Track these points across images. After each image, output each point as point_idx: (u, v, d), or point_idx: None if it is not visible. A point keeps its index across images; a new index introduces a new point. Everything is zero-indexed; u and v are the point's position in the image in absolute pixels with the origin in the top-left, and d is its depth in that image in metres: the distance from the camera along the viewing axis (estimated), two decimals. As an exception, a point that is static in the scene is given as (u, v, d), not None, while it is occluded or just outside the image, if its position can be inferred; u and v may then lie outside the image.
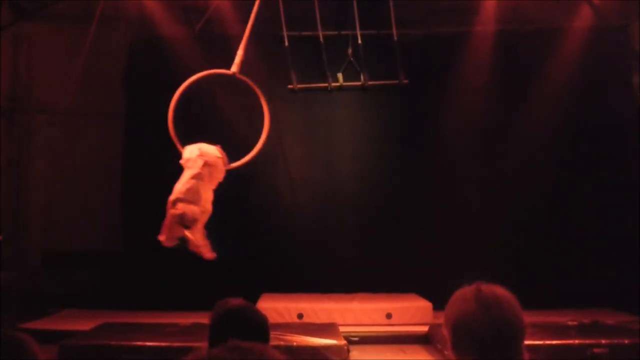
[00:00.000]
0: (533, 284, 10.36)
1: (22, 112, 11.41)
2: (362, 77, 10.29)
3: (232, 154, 7.34)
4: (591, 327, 8.34)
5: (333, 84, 10.38)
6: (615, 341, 7.45)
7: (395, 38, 10.09)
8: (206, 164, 6.73)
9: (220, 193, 11.05)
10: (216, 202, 11.02)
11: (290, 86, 10.38)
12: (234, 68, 7.62)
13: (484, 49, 10.86)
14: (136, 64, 11.28)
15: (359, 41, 10.10)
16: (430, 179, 11.09)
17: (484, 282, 1.99)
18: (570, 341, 7.53)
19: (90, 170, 11.21)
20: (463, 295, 1.97)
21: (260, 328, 2.60)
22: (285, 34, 10.03)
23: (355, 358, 8.10)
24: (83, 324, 8.72)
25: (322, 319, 9.40)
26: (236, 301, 2.71)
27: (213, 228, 11.03)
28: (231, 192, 11.12)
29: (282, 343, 7.31)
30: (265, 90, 11.04)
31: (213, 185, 6.79)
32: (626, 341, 7.43)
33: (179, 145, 7.13)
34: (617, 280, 9.96)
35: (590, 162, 10.86)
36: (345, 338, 8.05)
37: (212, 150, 6.90)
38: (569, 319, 8.71)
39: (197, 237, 6.45)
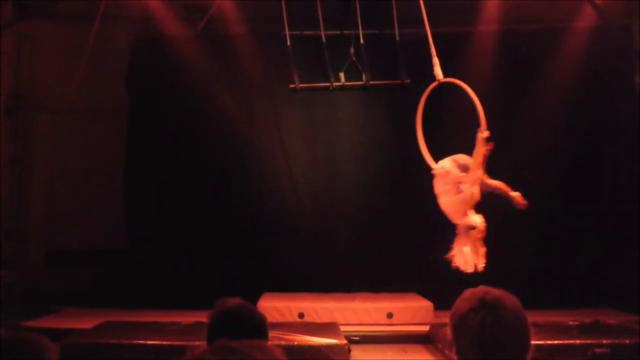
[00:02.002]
0: (533, 284, 10.38)
1: (25, 111, 11.42)
2: (364, 76, 10.31)
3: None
4: (592, 326, 8.33)
5: (335, 84, 10.40)
6: (617, 341, 7.45)
7: (398, 38, 10.10)
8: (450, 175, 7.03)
9: (220, 192, 11.16)
10: (216, 202, 11.12)
11: (292, 85, 10.40)
12: (439, 76, 7.62)
13: (487, 49, 10.83)
14: (139, 63, 11.29)
15: (361, 41, 10.12)
16: (432, 178, 11.06)
17: (493, 293, 1.94)
18: (572, 341, 7.53)
19: (93, 169, 11.22)
20: (471, 306, 1.88)
21: (258, 327, 2.60)
22: (287, 33, 10.04)
23: (356, 357, 8.10)
24: (85, 322, 8.72)
25: (323, 318, 9.40)
26: (235, 301, 2.72)
27: (215, 228, 11.12)
28: (232, 191, 11.26)
29: (282, 342, 7.30)
30: (266, 90, 11.16)
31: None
32: (627, 341, 7.43)
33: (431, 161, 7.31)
34: (618, 280, 9.95)
35: (591, 161, 10.85)
36: (346, 337, 8.04)
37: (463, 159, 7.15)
38: (570, 318, 8.70)
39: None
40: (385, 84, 10.51)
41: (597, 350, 7.33)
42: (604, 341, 7.45)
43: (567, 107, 10.75)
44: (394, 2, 9.88)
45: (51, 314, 9.95)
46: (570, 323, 8.41)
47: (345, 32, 10.61)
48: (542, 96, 10.80)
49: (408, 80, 10.19)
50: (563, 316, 9.03)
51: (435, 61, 7.51)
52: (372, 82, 10.30)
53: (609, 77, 10.83)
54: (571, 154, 10.96)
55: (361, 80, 10.33)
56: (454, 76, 10.84)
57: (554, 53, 10.80)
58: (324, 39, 10.27)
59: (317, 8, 10.05)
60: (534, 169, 10.90)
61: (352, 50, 10.38)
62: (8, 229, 10.74)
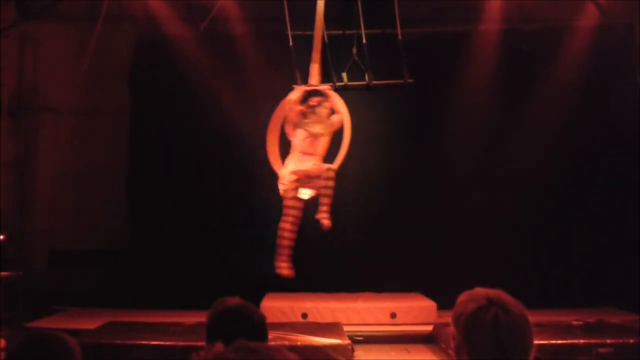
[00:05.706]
0: (537, 283, 10.37)
1: (27, 111, 11.43)
2: (366, 76, 10.29)
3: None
4: (596, 326, 8.30)
5: (338, 84, 10.37)
6: (621, 340, 7.43)
7: (400, 37, 10.08)
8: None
9: (223, 192, 11.16)
10: (219, 202, 11.13)
11: (294, 85, 10.39)
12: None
13: (489, 48, 10.82)
14: (141, 63, 11.29)
15: (364, 40, 10.10)
16: (434, 178, 11.07)
17: (492, 291, 1.93)
18: (575, 341, 7.51)
19: (96, 169, 11.23)
20: (478, 305, 1.87)
21: (258, 327, 2.57)
22: (289, 33, 10.03)
23: (359, 358, 8.08)
24: (88, 322, 8.73)
25: (326, 318, 9.39)
26: (234, 300, 2.69)
27: (218, 228, 11.12)
28: (235, 191, 11.26)
29: (286, 342, 7.30)
30: (269, 89, 11.15)
31: None
32: (631, 340, 7.41)
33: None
34: (622, 279, 9.93)
35: (593, 160, 10.84)
36: (350, 337, 8.04)
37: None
38: (573, 318, 8.67)
39: None
40: (388, 84, 10.49)
41: (601, 350, 7.30)
42: (608, 341, 7.43)
43: (569, 106, 10.73)
44: (396, 1, 9.87)
45: (54, 314, 9.96)
46: (574, 323, 8.38)
47: (348, 31, 10.61)
48: (544, 95, 10.79)
49: (411, 80, 10.17)
50: (567, 315, 9.00)
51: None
52: (374, 82, 10.29)
53: (611, 76, 10.82)
54: (573, 153, 10.95)
55: (364, 80, 10.32)
56: (458, 75, 10.89)
57: (556, 52, 10.78)
58: (326, 38, 10.24)
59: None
60: (536, 167, 10.90)
61: (354, 50, 10.37)
62: (10, 229, 10.75)
